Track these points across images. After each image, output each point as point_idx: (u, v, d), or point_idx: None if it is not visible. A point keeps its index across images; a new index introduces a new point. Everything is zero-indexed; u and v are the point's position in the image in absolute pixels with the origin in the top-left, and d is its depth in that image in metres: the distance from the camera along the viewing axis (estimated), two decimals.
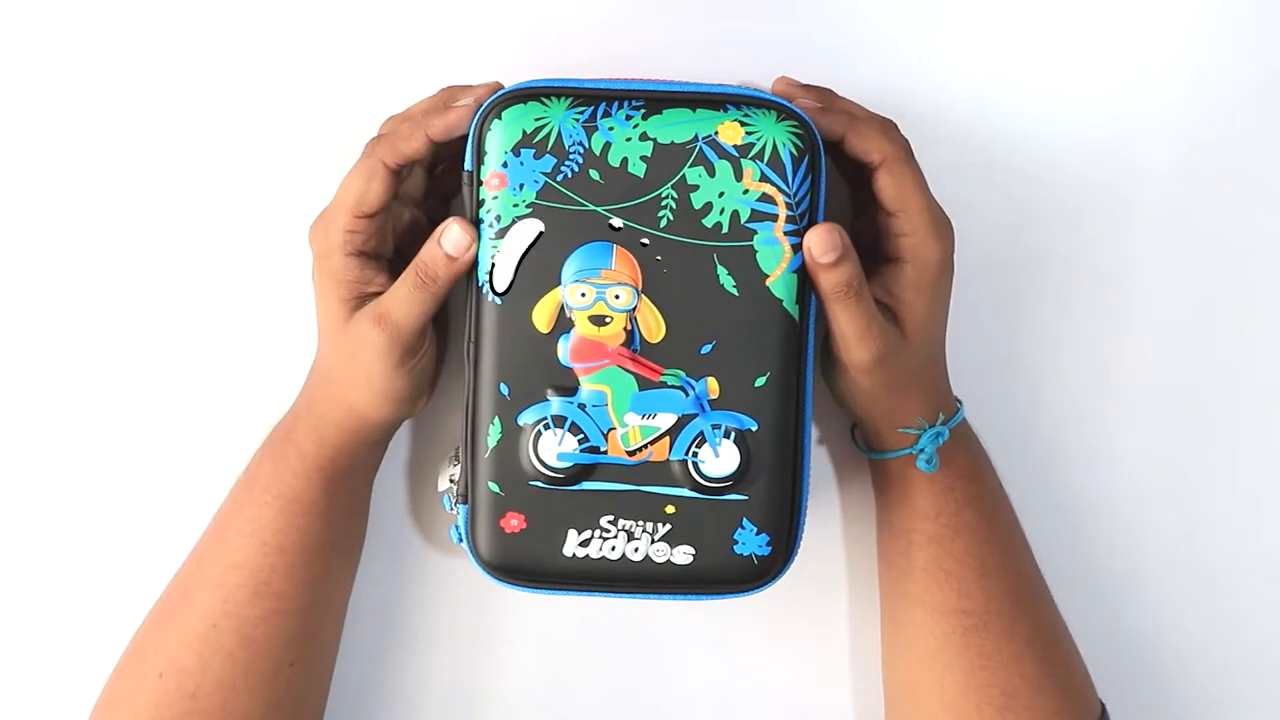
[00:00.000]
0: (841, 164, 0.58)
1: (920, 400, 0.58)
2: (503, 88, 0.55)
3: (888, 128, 0.56)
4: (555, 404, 0.54)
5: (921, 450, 0.58)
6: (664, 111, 0.53)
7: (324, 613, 0.59)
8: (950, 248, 0.56)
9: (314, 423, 0.57)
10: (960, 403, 0.60)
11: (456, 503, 0.56)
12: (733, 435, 0.54)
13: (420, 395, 0.58)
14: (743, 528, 0.55)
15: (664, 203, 0.53)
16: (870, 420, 0.59)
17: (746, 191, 0.53)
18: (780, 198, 0.53)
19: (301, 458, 0.57)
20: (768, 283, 0.53)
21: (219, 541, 0.58)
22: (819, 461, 0.64)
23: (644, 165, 0.53)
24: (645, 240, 0.53)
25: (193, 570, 0.58)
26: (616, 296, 0.53)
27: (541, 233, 0.53)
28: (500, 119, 0.53)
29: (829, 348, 0.57)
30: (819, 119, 0.54)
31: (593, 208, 0.53)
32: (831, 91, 0.57)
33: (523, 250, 0.53)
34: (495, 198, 0.53)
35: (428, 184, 0.59)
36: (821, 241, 0.52)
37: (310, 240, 0.56)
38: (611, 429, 0.54)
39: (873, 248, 0.57)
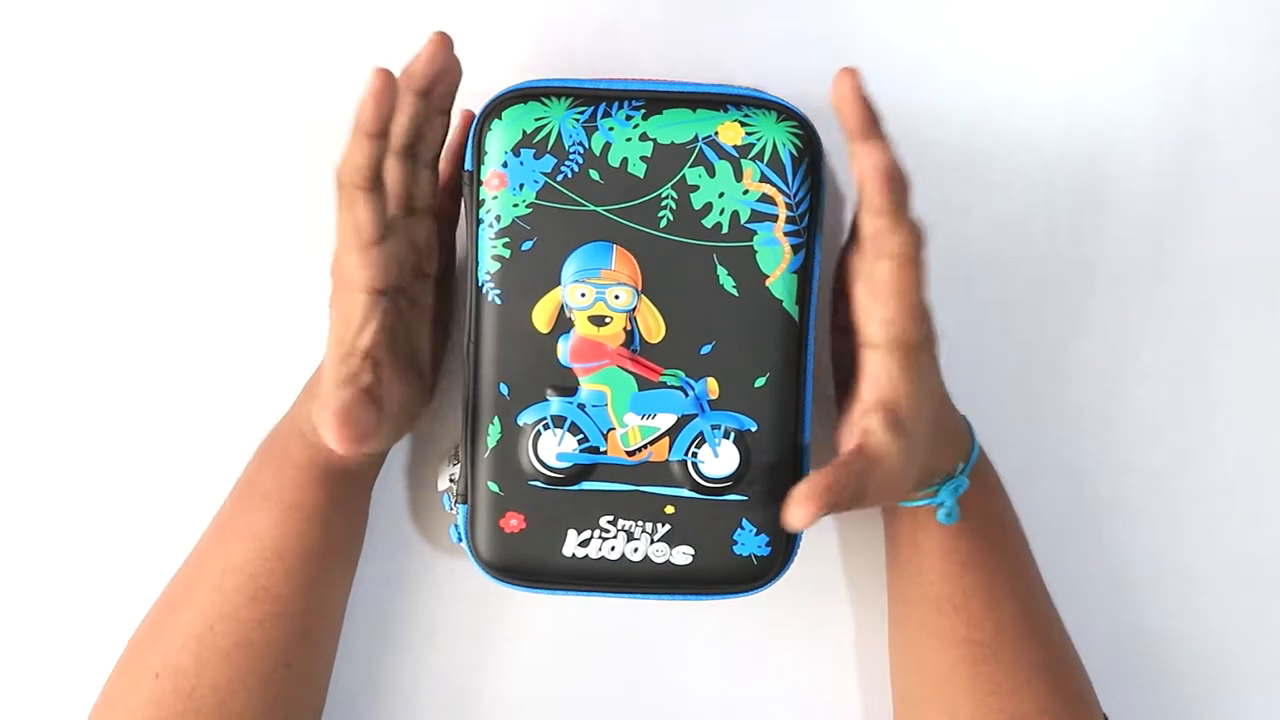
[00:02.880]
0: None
1: (937, 460, 0.55)
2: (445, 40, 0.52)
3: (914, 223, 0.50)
4: (555, 404, 0.54)
5: (941, 504, 0.55)
6: (664, 111, 0.53)
7: (322, 615, 0.59)
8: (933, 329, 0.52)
9: (309, 439, 0.57)
10: (974, 438, 0.57)
11: (456, 502, 0.56)
12: (732, 436, 0.54)
13: (410, 421, 0.57)
14: (742, 528, 0.55)
15: (664, 203, 0.53)
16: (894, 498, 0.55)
17: (746, 192, 0.53)
18: (780, 198, 0.53)
19: (298, 468, 0.57)
20: (768, 283, 0.53)
21: (218, 545, 0.58)
22: (819, 461, 0.64)
23: (644, 165, 0.53)
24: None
25: (191, 573, 0.58)
26: (616, 297, 0.53)
27: None
28: (500, 119, 0.53)
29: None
30: (857, 142, 0.48)
31: (592, 208, 0.53)
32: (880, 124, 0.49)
33: None
34: (495, 197, 0.53)
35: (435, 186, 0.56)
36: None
37: (331, 277, 0.54)
38: (611, 429, 0.54)
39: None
